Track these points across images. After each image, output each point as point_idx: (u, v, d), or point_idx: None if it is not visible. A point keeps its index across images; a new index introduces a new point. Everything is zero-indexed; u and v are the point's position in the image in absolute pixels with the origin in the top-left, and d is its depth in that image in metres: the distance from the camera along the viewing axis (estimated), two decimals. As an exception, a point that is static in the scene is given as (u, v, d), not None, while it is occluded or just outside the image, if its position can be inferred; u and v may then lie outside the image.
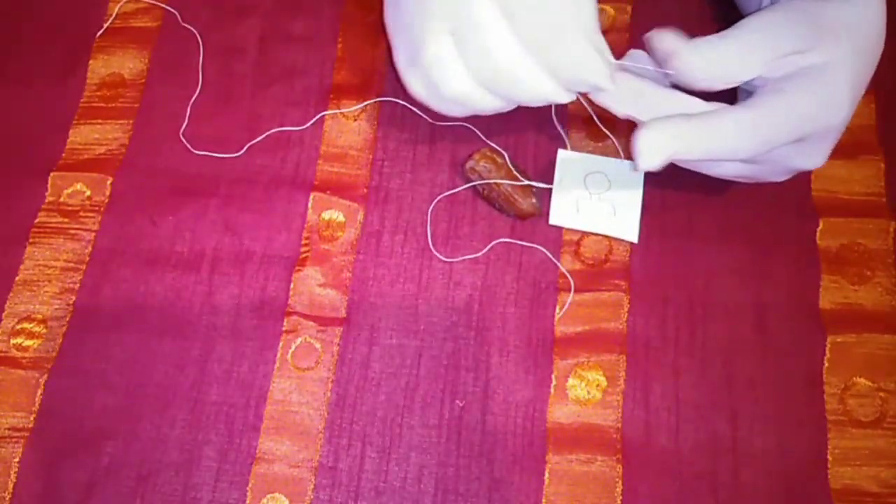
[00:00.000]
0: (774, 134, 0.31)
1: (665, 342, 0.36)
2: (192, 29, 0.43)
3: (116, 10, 0.44)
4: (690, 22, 0.42)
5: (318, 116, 0.40)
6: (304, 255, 0.38)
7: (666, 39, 0.32)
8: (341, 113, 0.41)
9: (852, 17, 0.32)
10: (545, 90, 0.33)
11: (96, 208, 0.40)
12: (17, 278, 0.38)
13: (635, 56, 0.35)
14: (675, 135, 0.31)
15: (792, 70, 0.32)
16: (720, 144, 0.31)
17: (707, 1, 0.43)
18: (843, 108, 0.31)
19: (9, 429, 0.35)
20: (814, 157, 0.33)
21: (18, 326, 0.37)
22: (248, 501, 0.34)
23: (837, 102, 0.31)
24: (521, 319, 0.37)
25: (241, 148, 0.41)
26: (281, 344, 0.37)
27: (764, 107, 0.31)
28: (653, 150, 0.31)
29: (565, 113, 0.41)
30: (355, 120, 0.41)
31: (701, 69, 0.32)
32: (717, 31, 0.42)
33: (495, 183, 0.38)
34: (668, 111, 0.32)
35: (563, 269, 0.37)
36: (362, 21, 0.43)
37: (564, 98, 0.34)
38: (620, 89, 0.33)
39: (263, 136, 0.40)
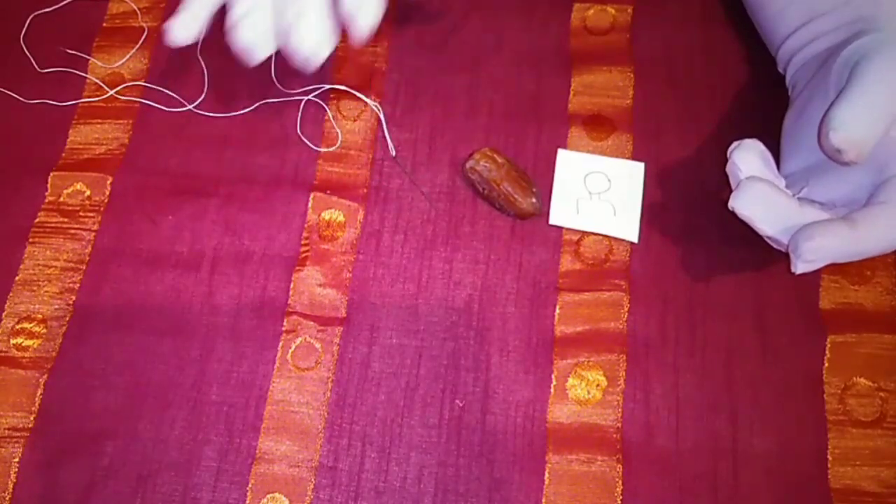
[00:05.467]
0: None
1: (665, 342, 0.36)
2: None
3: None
4: (691, 23, 0.42)
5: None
6: (304, 255, 0.38)
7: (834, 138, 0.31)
8: (341, 113, 0.41)
9: None
10: None
11: (96, 208, 0.40)
12: (16, 278, 0.38)
13: (750, 149, 0.34)
14: (839, 243, 0.31)
15: None
16: (874, 245, 0.31)
17: (708, 1, 0.43)
18: None
19: (9, 429, 0.35)
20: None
21: (18, 326, 0.37)
22: (248, 501, 0.34)
23: None
24: (521, 319, 0.37)
25: (241, 146, 0.41)
26: (281, 344, 0.37)
27: None
28: (818, 258, 0.31)
29: (566, 111, 0.41)
30: (355, 120, 0.41)
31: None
32: (717, 33, 0.42)
33: (495, 182, 0.37)
34: (796, 221, 0.32)
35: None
36: (362, 21, 0.43)
37: None
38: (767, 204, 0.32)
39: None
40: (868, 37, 0.32)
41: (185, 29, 0.37)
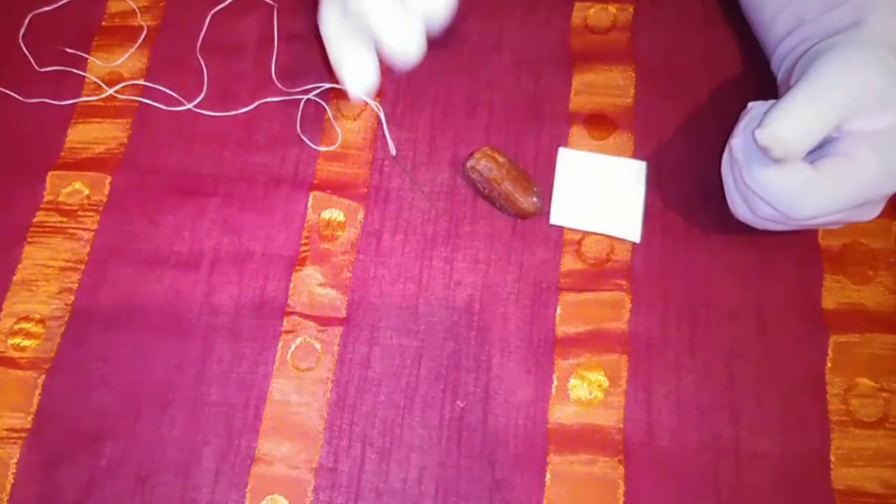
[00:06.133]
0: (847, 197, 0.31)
1: (667, 342, 0.36)
2: (191, 28, 0.43)
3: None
4: (692, 22, 0.42)
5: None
6: (303, 255, 0.38)
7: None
8: (341, 112, 0.41)
9: None
10: None
11: (95, 208, 0.40)
12: (15, 278, 0.38)
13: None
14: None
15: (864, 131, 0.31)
16: (837, 185, 0.31)
17: (708, 1, 0.43)
18: None
19: (6, 429, 0.35)
20: (867, 216, 0.33)
21: (16, 326, 0.37)
22: (247, 502, 0.34)
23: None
24: (523, 319, 0.37)
25: (241, 145, 0.41)
26: (281, 344, 0.36)
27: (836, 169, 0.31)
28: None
29: (567, 110, 0.40)
30: (355, 119, 0.41)
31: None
32: (718, 32, 0.42)
33: (496, 182, 0.37)
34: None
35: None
36: (362, 20, 0.43)
37: None
38: None
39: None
40: (833, 37, 0.32)
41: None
